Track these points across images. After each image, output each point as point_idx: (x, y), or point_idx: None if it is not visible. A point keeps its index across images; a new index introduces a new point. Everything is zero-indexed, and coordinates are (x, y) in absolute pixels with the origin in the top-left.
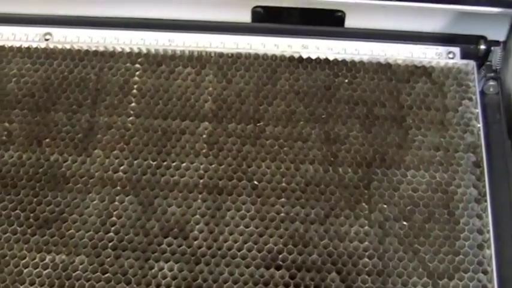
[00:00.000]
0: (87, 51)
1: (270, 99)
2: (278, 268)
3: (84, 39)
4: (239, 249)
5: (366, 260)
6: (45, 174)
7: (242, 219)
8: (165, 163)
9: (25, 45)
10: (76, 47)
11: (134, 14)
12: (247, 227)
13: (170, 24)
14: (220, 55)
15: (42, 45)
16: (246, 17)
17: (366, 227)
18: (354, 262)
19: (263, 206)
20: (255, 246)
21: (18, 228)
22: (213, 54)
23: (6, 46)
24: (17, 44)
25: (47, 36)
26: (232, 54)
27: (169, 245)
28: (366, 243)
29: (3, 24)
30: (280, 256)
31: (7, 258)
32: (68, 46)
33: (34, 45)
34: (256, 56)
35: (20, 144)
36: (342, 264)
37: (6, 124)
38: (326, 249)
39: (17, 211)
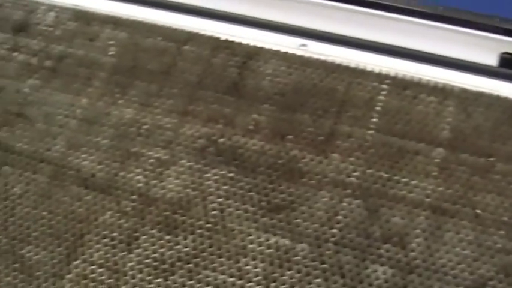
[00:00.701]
0: (339, 65)
1: (505, 138)
2: None
3: (336, 54)
4: (452, 268)
5: None
6: (283, 165)
7: (460, 242)
8: (395, 177)
9: (283, 50)
10: (329, 59)
11: (383, 39)
12: (463, 249)
13: (418, 56)
14: (464, 90)
15: (299, 53)
16: (492, 61)
17: None
18: None
19: (482, 234)
20: (468, 269)
21: (250, 208)
22: (456, 89)
23: (266, 49)
24: (276, 48)
25: (303, 47)
26: (475, 92)
27: (387, 250)
28: None
29: (266, 29)
30: (490, 283)
31: (235, 232)
32: (322, 57)
33: (291, 51)
34: (497, 98)
35: (264, 136)
36: None
37: (256, 115)
38: None
39: (252, 193)
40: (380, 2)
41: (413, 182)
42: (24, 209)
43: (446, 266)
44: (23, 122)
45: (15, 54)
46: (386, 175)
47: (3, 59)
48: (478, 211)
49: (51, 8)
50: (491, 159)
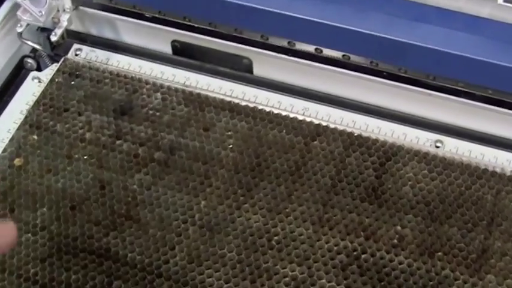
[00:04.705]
0: (485, 170)
1: None
2: None
3: (476, 154)
4: None
5: None
6: None
7: None
8: None
9: (423, 149)
10: (474, 163)
11: None
12: None
13: None
14: None
15: (440, 153)
16: None
17: None
18: None
19: None
20: None
21: None
22: None
23: (405, 148)
24: (414, 147)
25: (438, 144)
26: None
27: None
28: None
29: (401, 123)
30: None
31: None
32: (465, 159)
33: (431, 151)
34: None
35: (411, 252)
36: None
37: (399, 228)
38: None
39: None
40: None
41: None
42: None
43: None
44: (134, 226)
45: (119, 142)
46: None
47: (106, 147)
48: None
49: (157, 88)
50: None
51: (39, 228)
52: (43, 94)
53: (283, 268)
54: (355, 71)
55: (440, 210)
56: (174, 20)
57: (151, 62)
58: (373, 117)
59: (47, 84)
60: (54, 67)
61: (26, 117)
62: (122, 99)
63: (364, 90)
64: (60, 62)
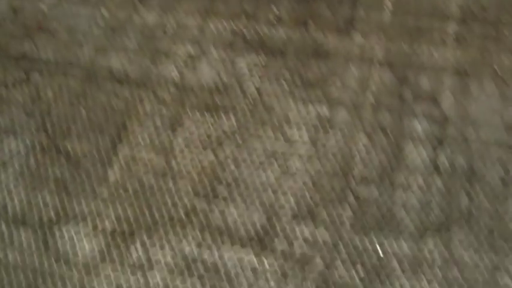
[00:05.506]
0: None
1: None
2: None
3: None
4: (484, 117)
5: None
6: (310, 48)
7: (486, 96)
8: (417, 49)
9: None
10: None
11: None
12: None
13: None
14: None
15: None
16: None
17: None
18: None
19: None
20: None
21: (286, 86)
22: None
23: None
24: None
25: None
26: None
27: (421, 108)
28: None
29: None
30: None
31: (276, 107)
32: None
33: None
34: None
35: (287, 25)
36: None
37: (275, 8)
38: None
39: (286, 73)
40: None
41: (434, 52)
42: (61, 109)
43: (478, 116)
44: (45, 35)
45: None
46: (408, 48)
47: None
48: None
49: None
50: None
51: None
52: None
53: (178, 48)
54: None
55: None
56: None
57: None
58: None
59: None
60: None
61: None
62: None
63: None
64: None
